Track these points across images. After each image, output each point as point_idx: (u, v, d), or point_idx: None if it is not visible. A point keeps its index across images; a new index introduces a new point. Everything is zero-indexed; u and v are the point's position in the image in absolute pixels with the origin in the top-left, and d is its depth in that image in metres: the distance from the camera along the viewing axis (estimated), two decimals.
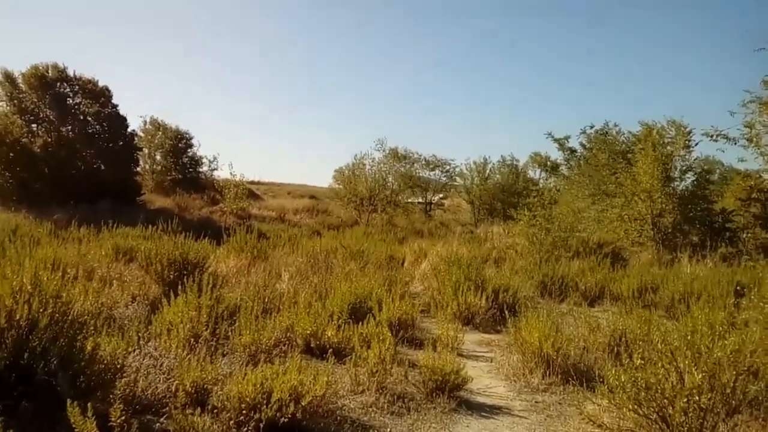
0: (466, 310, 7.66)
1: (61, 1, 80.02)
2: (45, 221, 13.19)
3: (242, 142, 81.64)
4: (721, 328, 4.16)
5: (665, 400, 3.46)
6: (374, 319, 5.85)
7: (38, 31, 76.08)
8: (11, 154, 20.41)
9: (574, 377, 5.09)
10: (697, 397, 3.38)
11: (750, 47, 10.73)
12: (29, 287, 3.34)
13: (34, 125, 22.15)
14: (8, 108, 21.72)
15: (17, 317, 3.24)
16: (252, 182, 34.50)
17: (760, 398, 3.99)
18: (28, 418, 2.98)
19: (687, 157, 16.97)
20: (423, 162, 35.90)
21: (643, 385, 3.54)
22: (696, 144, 16.59)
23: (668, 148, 16.68)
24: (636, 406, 3.56)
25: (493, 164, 33.79)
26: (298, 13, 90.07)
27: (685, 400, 3.37)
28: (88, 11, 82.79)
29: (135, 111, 54.24)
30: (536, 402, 4.87)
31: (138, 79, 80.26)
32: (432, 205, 36.33)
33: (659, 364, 3.60)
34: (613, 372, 3.78)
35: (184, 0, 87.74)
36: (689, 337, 3.79)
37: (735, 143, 11.21)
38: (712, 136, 11.66)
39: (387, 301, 6.57)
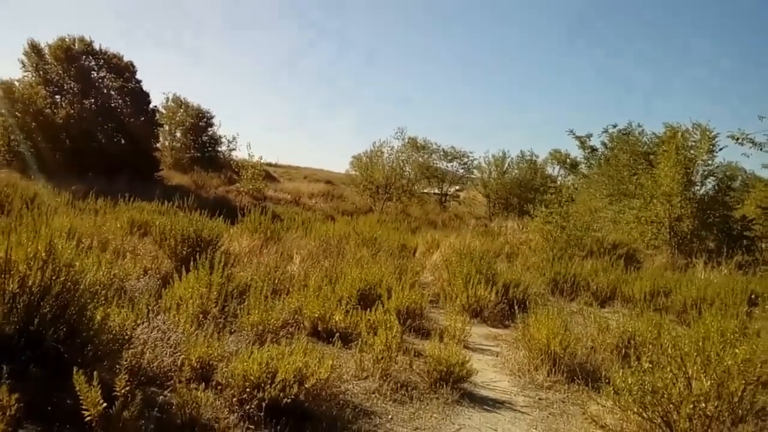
0: (476, 303, 7.63)
1: None
2: (63, 191, 13.30)
3: (261, 124, 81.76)
4: (732, 337, 4.12)
5: (671, 405, 3.43)
6: (383, 306, 5.84)
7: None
8: (34, 124, 20.61)
9: (580, 377, 5.07)
10: (703, 404, 3.35)
11: None
12: (44, 254, 3.36)
13: (57, 96, 22.32)
14: (33, 78, 21.89)
15: (30, 283, 3.27)
16: (269, 164, 34.57)
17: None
18: (35, 383, 3.02)
19: (710, 161, 16.76)
20: (441, 153, 35.83)
21: (650, 389, 3.51)
22: (721, 149, 16.37)
23: (692, 151, 16.46)
24: (641, 410, 3.54)
25: (512, 159, 33.59)
26: None
27: (692, 406, 3.34)
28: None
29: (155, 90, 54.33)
30: (540, 399, 4.85)
31: (155, 63, 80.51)
32: (447, 197, 36.23)
33: (667, 369, 3.57)
34: (620, 374, 3.76)
35: None
36: (700, 344, 3.75)
37: (761, 149, 11.02)
38: (738, 139, 11.49)
39: (396, 290, 6.57)
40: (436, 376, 4.72)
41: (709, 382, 3.38)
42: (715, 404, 3.36)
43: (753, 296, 8.76)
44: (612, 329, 6.10)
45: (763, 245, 16.67)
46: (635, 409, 3.57)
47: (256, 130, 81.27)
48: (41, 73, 21.92)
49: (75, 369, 2.68)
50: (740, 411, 3.48)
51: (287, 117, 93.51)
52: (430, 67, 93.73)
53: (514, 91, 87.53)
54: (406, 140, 32.79)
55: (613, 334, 5.99)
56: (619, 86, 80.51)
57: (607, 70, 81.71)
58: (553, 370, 5.26)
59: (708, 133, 16.36)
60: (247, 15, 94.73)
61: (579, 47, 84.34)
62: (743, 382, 3.47)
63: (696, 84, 70.26)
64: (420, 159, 34.54)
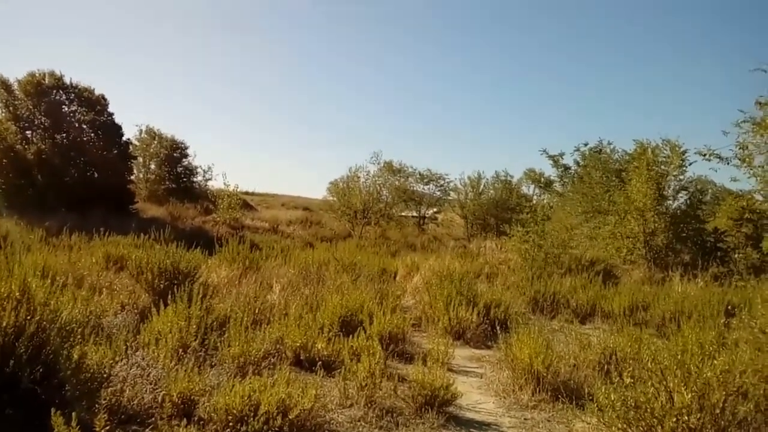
0: (458, 325, 7.63)
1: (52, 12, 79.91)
2: (36, 228, 13.11)
3: (236, 153, 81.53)
4: (711, 348, 4.17)
5: (654, 420, 3.45)
6: (365, 332, 5.82)
7: (33, 41, 75.99)
8: (4, 161, 20.42)
9: (564, 395, 5.08)
10: (686, 417, 3.37)
11: (745, 68, 10.84)
12: (17, 294, 3.32)
13: (28, 132, 22.16)
14: (3, 114, 21.71)
15: (4, 324, 3.21)
16: (246, 193, 34.44)
17: (749, 419, 3.98)
18: (12, 426, 2.95)
19: (681, 176, 17.09)
20: (417, 176, 35.97)
21: (633, 404, 3.53)
22: (690, 164, 16.72)
23: (662, 167, 16.78)
24: (625, 425, 3.56)
25: (487, 179, 33.87)
26: (295, 21, 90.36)
27: (675, 419, 3.37)
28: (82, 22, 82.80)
29: (128, 121, 53.91)
30: (525, 419, 4.84)
31: (129, 91, 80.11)
32: (425, 219, 36.35)
33: (649, 383, 3.60)
34: (603, 390, 3.78)
35: (181, 8, 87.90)
36: (679, 357, 3.79)
37: (728, 163, 11.26)
38: (705, 155, 11.72)
39: (378, 315, 6.55)
40: (421, 400, 4.69)
41: (690, 395, 3.41)
42: (698, 416, 3.38)
43: (729, 307, 8.87)
44: (593, 346, 6.14)
45: (737, 256, 16.94)
46: (619, 425, 3.58)
47: (231, 159, 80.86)
48: (11, 108, 21.76)
49: (53, 410, 2.63)
50: (723, 422, 3.51)
51: (263, 144, 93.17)
52: (402, 90, 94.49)
53: (486, 111, 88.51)
54: (382, 164, 32.95)
55: (594, 351, 6.02)
56: (588, 104, 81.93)
57: (580, 86, 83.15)
58: (538, 389, 5.26)
59: (677, 148, 16.71)
60: (209, 42, 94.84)
61: (548, 64, 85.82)
62: (724, 393, 3.51)
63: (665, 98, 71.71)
64: (396, 182, 34.64)
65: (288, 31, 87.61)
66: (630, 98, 76.71)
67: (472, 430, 4.55)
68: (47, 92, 22.44)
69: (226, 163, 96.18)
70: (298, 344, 5.60)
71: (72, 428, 2.58)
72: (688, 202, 17.56)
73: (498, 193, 33.38)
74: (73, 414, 2.64)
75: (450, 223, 35.77)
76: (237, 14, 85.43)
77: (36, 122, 22.31)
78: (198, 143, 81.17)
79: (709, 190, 20.05)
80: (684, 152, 16.61)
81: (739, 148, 10.86)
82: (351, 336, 5.72)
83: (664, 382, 3.54)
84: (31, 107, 22.00)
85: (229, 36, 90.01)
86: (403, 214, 35.14)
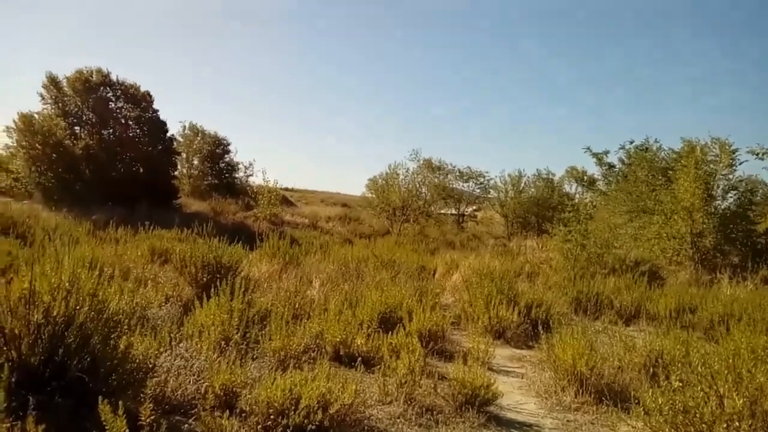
0: (498, 324, 7.54)
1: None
2: (84, 221, 13.48)
3: (277, 148, 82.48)
4: (763, 353, 4.02)
5: (704, 425, 3.34)
6: (404, 329, 5.80)
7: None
8: (54, 155, 20.95)
9: (608, 397, 4.97)
10: (737, 423, 3.25)
11: None
12: (67, 285, 3.38)
13: (76, 128, 22.71)
14: (52, 110, 22.30)
15: (54, 313, 3.28)
16: (286, 189, 34.83)
17: None
18: (61, 414, 3.01)
19: (730, 176, 16.58)
20: (457, 173, 35.79)
21: (681, 409, 3.42)
22: (741, 163, 16.21)
23: (711, 166, 16.31)
24: (673, 430, 3.45)
25: (528, 177, 33.50)
26: (333, 23, 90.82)
27: (725, 425, 3.25)
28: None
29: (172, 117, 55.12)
30: (568, 421, 4.75)
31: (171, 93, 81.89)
32: (465, 217, 36.13)
33: (698, 388, 3.48)
34: (650, 393, 3.67)
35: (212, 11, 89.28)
36: (730, 361, 3.66)
37: None
38: (758, 154, 11.35)
39: (417, 312, 6.52)
40: (461, 399, 4.65)
41: (741, 400, 3.29)
42: (749, 423, 3.26)
43: None
44: (638, 348, 5.98)
45: None
46: (667, 430, 3.48)
47: (270, 155, 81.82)
48: (60, 105, 22.33)
49: (100, 398, 2.67)
50: None
51: (305, 141, 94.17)
52: (440, 90, 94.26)
53: (527, 111, 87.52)
54: (421, 161, 32.85)
55: (639, 353, 5.87)
56: (634, 105, 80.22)
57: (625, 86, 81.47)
58: (580, 391, 5.16)
59: (727, 147, 16.21)
60: (260, 37, 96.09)
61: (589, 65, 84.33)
62: None
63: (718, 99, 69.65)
64: (436, 180, 34.51)
65: (326, 32, 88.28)
66: (676, 95, 74.81)
67: (512, 430, 4.49)
68: (95, 89, 22.96)
69: (266, 161, 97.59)
70: (337, 339, 5.60)
71: (119, 416, 2.62)
72: (737, 202, 17.03)
73: (539, 191, 32.95)
74: (120, 403, 2.69)
75: (490, 221, 35.50)
76: (273, 15, 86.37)
77: (84, 118, 22.87)
78: (239, 142, 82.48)
79: (760, 190, 19.33)
80: (734, 151, 16.12)
81: None
82: (390, 333, 5.70)
83: (715, 387, 3.42)
84: (79, 103, 22.56)
85: (265, 37, 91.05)
86: (442, 211, 34.95)
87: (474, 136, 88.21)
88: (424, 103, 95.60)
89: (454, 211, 36.13)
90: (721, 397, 3.40)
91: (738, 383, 3.43)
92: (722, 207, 16.88)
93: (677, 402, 3.46)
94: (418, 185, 30.53)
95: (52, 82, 22.40)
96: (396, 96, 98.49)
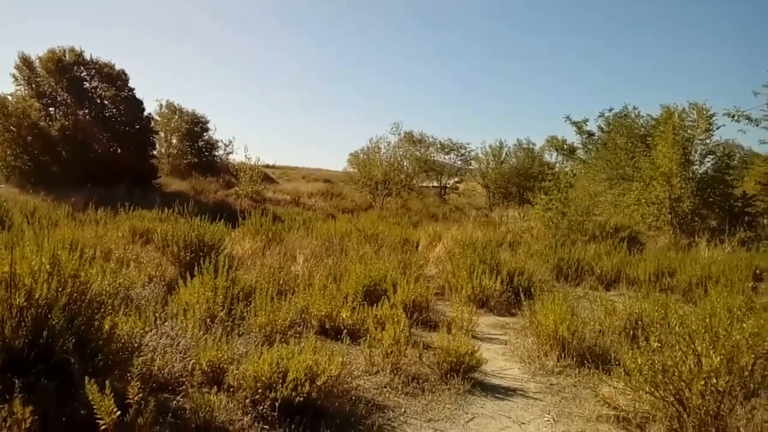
0: (481, 293, 7.64)
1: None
2: (62, 203, 13.30)
3: (257, 126, 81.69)
4: (739, 312, 4.11)
5: (682, 383, 3.43)
6: (389, 301, 5.84)
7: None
8: (29, 138, 20.65)
9: (590, 360, 5.08)
10: (714, 380, 3.34)
11: None
12: (48, 267, 3.36)
13: (51, 109, 22.35)
14: (26, 92, 21.90)
15: (36, 296, 3.26)
16: (267, 166, 34.56)
17: None
18: (48, 395, 3.02)
19: (707, 140, 16.74)
20: (438, 146, 35.86)
21: (660, 368, 3.51)
22: (718, 128, 16.36)
23: (689, 131, 16.44)
24: (652, 389, 3.54)
25: (509, 148, 33.63)
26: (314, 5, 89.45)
27: (703, 383, 3.34)
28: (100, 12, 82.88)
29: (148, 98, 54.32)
30: (551, 384, 4.85)
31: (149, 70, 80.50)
32: (447, 189, 36.26)
33: (677, 347, 3.57)
34: (630, 355, 3.76)
35: None
36: (707, 321, 3.74)
37: (757, 124, 11.00)
38: (734, 117, 11.48)
39: (401, 284, 6.57)
40: (446, 367, 4.73)
41: (718, 358, 3.38)
42: (726, 379, 3.35)
43: (758, 271, 8.77)
44: (619, 312, 6.09)
45: (765, 221, 16.64)
46: (647, 389, 3.57)
47: (250, 132, 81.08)
48: (33, 86, 21.95)
49: (87, 379, 2.68)
50: (752, 384, 3.49)
51: (286, 117, 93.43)
52: (420, 64, 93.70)
53: (506, 82, 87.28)
54: (403, 135, 32.82)
55: (620, 317, 5.99)
56: (612, 73, 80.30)
57: (600, 56, 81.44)
58: (563, 355, 5.27)
59: (705, 111, 16.35)
60: (235, 16, 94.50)
61: (569, 36, 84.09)
62: (753, 355, 3.48)
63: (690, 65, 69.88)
64: (417, 153, 34.54)
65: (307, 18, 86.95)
66: (653, 60, 74.97)
67: (497, 395, 4.57)
68: (68, 68, 22.54)
69: (247, 139, 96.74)
70: (323, 313, 5.64)
71: (106, 395, 2.64)
72: (715, 166, 17.23)
73: (520, 161, 33.15)
74: (107, 382, 2.70)
75: (471, 192, 35.66)
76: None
77: (59, 99, 22.50)
78: (218, 119, 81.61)
79: (737, 154, 19.59)
80: (711, 115, 16.25)
81: None
82: (375, 305, 5.74)
83: (692, 346, 3.50)
84: (53, 84, 22.17)
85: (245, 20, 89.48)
86: (424, 184, 35.06)
87: (454, 109, 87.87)
88: (408, 78, 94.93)
89: (436, 184, 36.25)
90: (699, 355, 3.48)
91: (715, 342, 3.52)
92: (700, 172, 17.06)
93: (656, 362, 3.55)
94: (399, 159, 30.51)
95: (25, 62, 21.97)
96: (376, 71, 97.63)
